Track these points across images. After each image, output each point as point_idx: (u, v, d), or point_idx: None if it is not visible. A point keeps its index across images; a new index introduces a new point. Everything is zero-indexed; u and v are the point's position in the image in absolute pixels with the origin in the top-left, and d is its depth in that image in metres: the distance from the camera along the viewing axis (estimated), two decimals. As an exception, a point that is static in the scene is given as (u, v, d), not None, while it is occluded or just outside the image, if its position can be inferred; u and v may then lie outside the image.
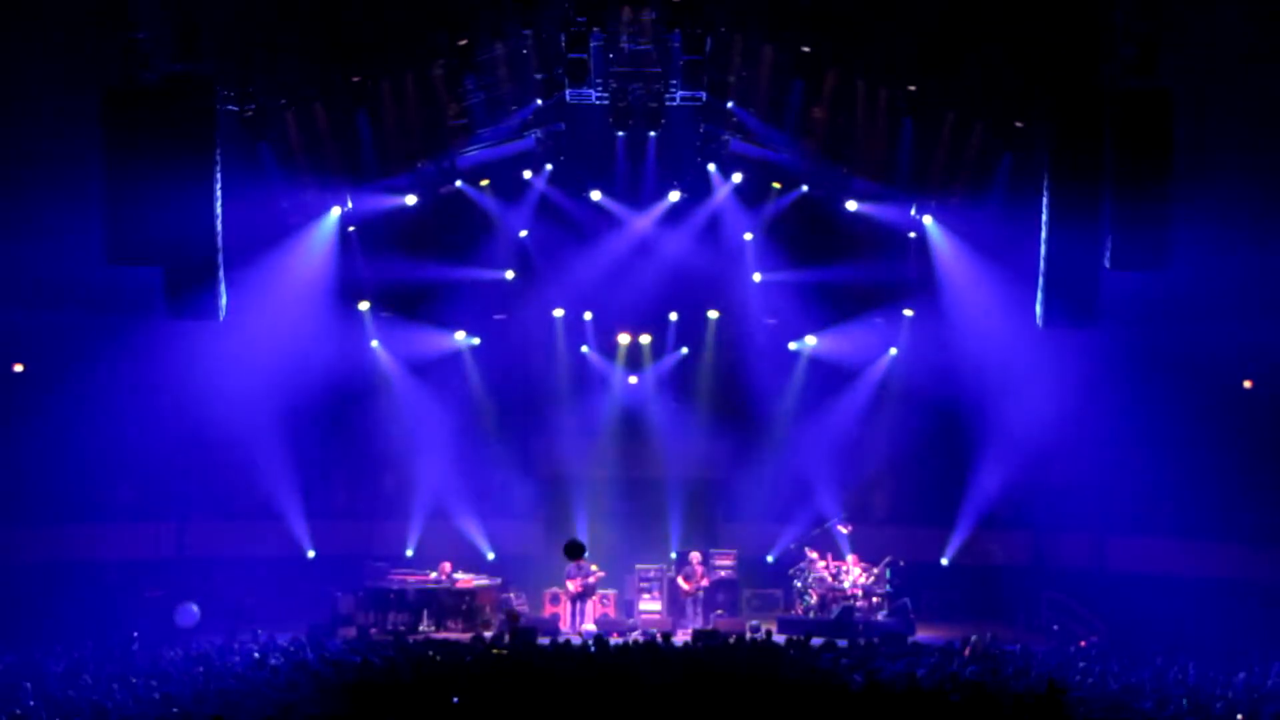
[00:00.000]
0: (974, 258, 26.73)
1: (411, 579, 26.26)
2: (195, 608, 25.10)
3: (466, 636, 22.92)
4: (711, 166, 27.95)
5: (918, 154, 25.24)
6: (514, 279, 28.93)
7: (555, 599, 26.49)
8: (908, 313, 28.81)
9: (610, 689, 15.05)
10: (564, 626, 25.68)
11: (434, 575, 26.46)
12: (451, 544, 27.81)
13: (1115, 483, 27.54)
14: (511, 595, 26.82)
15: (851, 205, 27.54)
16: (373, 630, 23.81)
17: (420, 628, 25.22)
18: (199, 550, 28.05)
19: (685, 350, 29.92)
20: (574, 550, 25.82)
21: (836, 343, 29.23)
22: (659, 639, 20.62)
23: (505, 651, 20.05)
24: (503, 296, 29.14)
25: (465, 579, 26.51)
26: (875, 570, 26.30)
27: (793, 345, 29.54)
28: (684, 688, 15.27)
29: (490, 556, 28.19)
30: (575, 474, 29.09)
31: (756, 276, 29.04)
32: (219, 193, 19.77)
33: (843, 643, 20.82)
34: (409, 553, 28.18)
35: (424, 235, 27.97)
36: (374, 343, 28.76)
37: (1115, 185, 19.61)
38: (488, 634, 23.34)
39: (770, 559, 28.63)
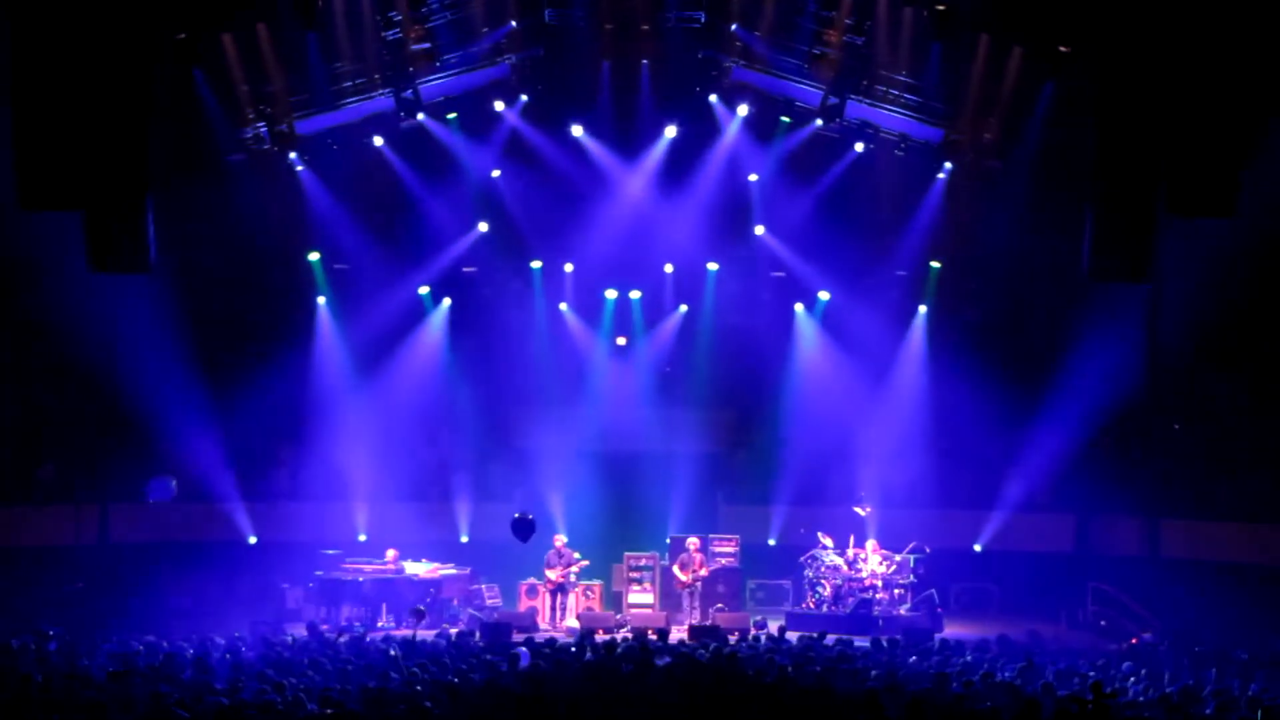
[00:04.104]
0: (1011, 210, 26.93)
1: (368, 568, 26.21)
2: (173, 482, 25.09)
3: (430, 634, 22.82)
4: (713, 98, 27.77)
5: (946, 82, 25.21)
6: (484, 227, 28.81)
7: (533, 591, 26.42)
8: (936, 264, 28.72)
9: (592, 700, 14.99)
10: (542, 622, 25.66)
11: (379, 565, 26.43)
12: (413, 529, 27.73)
13: (1169, 462, 27.56)
14: (483, 587, 26.84)
15: (859, 147, 27.58)
16: (324, 626, 23.68)
17: (379, 623, 25.19)
18: (124, 536, 27.96)
19: (684, 308, 29.87)
20: (522, 529, 25.70)
21: (854, 299, 29.22)
22: (651, 637, 20.53)
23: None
24: (472, 247, 29.06)
25: (429, 568, 26.49)
26: (898, 558, 26.19)
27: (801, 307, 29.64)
28: (679, 699, 15.20)
29: (464, 539, 28.20)
30: (555, 450, 29.00)
31: (759, 230, 28.96)
32: (148, 127, 19.59)
33: (861, 641, 20.75)
34: (362, 538, 28.20)
35: (382, 176, 27.88)
36: (320, 299, 28.69)
37: (1177, 120, 19.29)
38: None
39: (772, 541, 28.74)
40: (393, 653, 18.39)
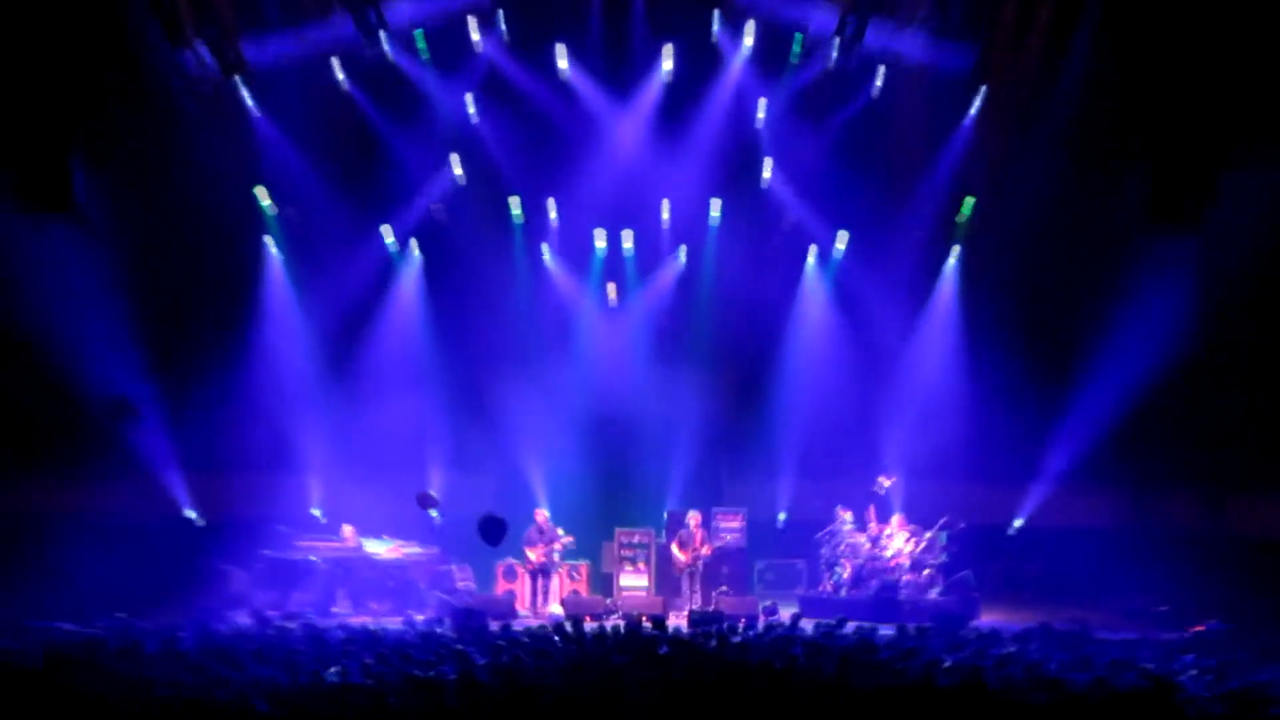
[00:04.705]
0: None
1: (323, 547, 26.10)
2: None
3: (396, 620, 22.75)
4: (715, 22, 27.62)
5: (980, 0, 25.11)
6: (457, 168, 28.63)
7: (511, 573, 26.44)
8: (969, 202, 28.54)
9: (579, 696, 14.88)
10: (521, 607, 25.69)
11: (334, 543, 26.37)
12: (374, 503, 27.51)
13: (1235, 428, 27.47)
14: (454, 569, 26.73)
15: (880, 79, 27.48)
16: (271, 614, 23.60)
17: (333, 609, 25.07)
18: (41, 507, 27.75)
19: (683, 254, 29.75)
20: (491, 531, 25.37)
21: (874, 247, 29.15)
22: (646, 625, 20.44)
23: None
24: (444, 191, 28.95)
25: (391, 547, 26.35)
26: (926, 535, 26.16)
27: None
28: (677, 695, 15.08)
29: (434, 516, 28.08)
30: (537, 413, 28.99)
31: (767, 172, 28.76)
32: (76, 58, 19.42)
33: (885, 629, 20.57)
34: (316, 513, 28.21)
35: (343, 114, 27.80)
36: (268, 238, 28.60)
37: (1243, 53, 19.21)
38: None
39: (783, 517, 28.80)
40: (350, 643, 18.22)
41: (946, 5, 25.95)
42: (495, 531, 25.22)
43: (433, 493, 26.16)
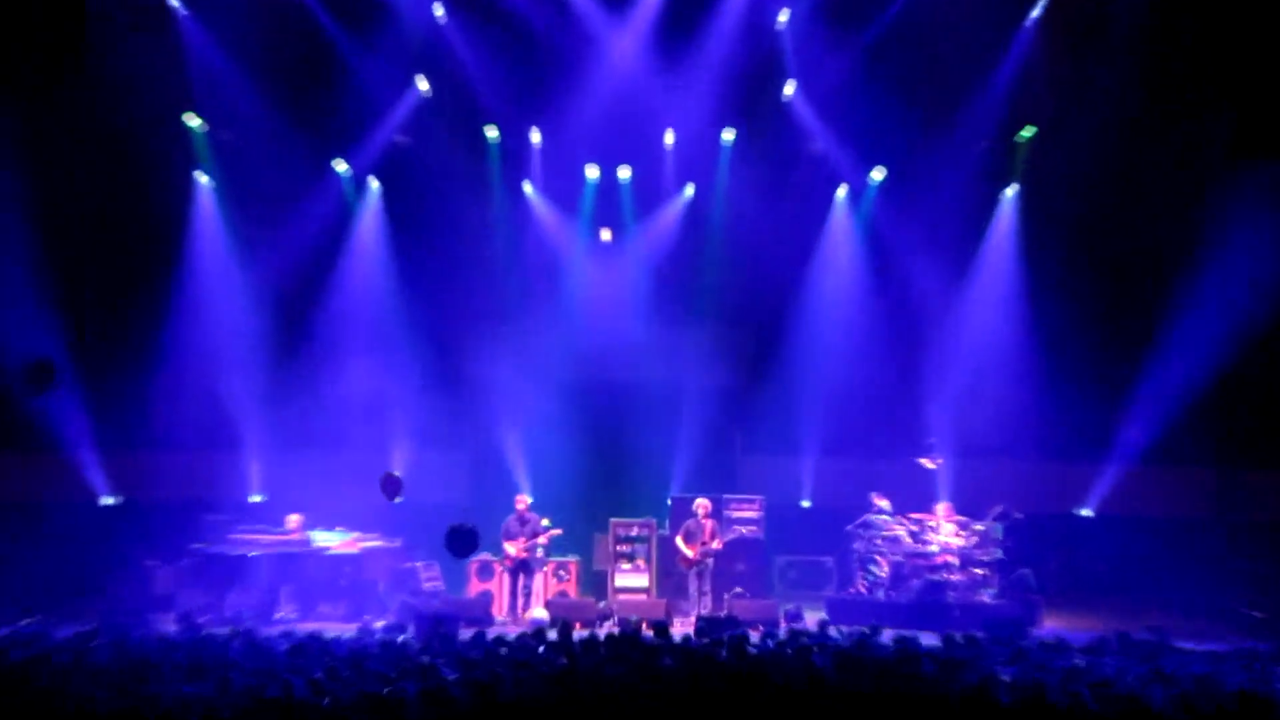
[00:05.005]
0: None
1: (264, 540, 26.09)
2: None
3: (352, 627, 22.74)
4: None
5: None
6: (424, 85, 28.61)
7: (486, 571, 26.50)
8: (1029, 130, 28.50)
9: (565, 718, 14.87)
10: (499, 612, 25.71)
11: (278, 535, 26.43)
12: (324, 486, 27.45)
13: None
14: (419, 565, 26.81)
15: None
16: (203, 619, 23.63)
17: (276, 614, 25.10)
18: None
19: (690, 191, 29.71)
20: (460, 543, 25.25)
21: (915, 182, 29.08)
22: (646, 633, 20.44)
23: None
24: (409, 114, 28.92)
25: (343, 540, 26.37)
26: (978, 526, 26.18)
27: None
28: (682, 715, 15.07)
29: (397, 500, 28.09)
30: (518, 379, 29.08)
31: (789, 90, 28.67)
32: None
33: (928, 638, 20.58)
34: (256, 498, 28.36)
35: (291, 26, 27.79)
36: (200, 174, 28.52)
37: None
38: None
39: (807, 504, 28.95)
40: (297, 654, 18.21)
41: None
42: (465, 544, 25.12)
43: (397, 473, 26.03)
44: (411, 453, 28.77)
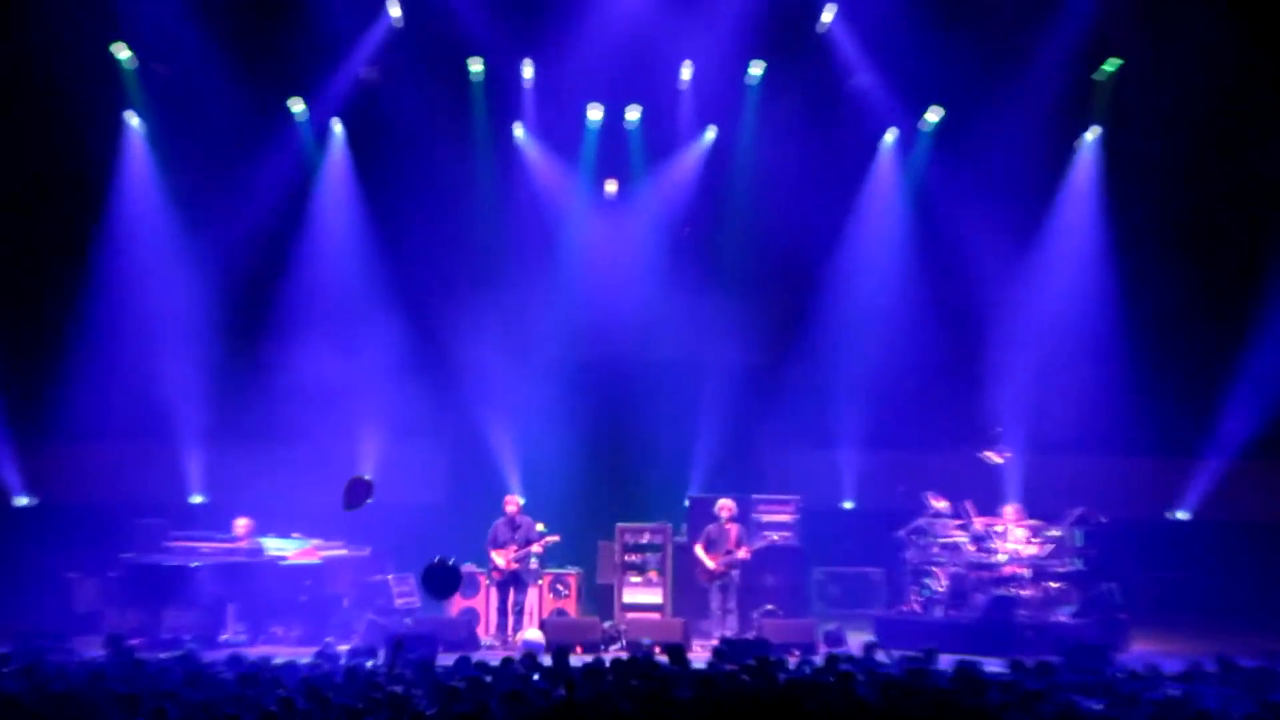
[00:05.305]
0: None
1: (207, 548, 25.93)
2: None
3: (310, 650, 22.62)
4: None
5: None
6: (394, 8, 28.58)
7: (471, 585, 26.33)
8: (1112, 64, 28.39)
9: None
10: (485, 634, 25.65)
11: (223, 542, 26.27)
12: (278, 484, 27.56)
13: None
14: (390, 579, 26.79)
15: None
16: (134, 642, 23.55)
17: (222, 635, 25.01)
18: None
19: (710, 135, 29.60)
20: (439, 583, 25.35)
21: (975, 126, 28.90)
22: (660, 658, 20.35)
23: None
24: (378, 46, 28.93)
25: (301, 549, 26.25)
26: (1055, 532, 26.06)
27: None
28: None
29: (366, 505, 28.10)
30: (508, 358, 29.11)
31: (827, 17, 28.61)
32: None
33: (993, 664, 20.48)
34: (197, 499, 28.48)
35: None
36: (134, 119, 28.52)
37: None
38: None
39: (850, 505, 29.19)
40: (246, 683, 18.03)
41: None
42: (445, 584, 25.22)
43: (367, 477, 25.93)
44: (383, 446, 28.94)
